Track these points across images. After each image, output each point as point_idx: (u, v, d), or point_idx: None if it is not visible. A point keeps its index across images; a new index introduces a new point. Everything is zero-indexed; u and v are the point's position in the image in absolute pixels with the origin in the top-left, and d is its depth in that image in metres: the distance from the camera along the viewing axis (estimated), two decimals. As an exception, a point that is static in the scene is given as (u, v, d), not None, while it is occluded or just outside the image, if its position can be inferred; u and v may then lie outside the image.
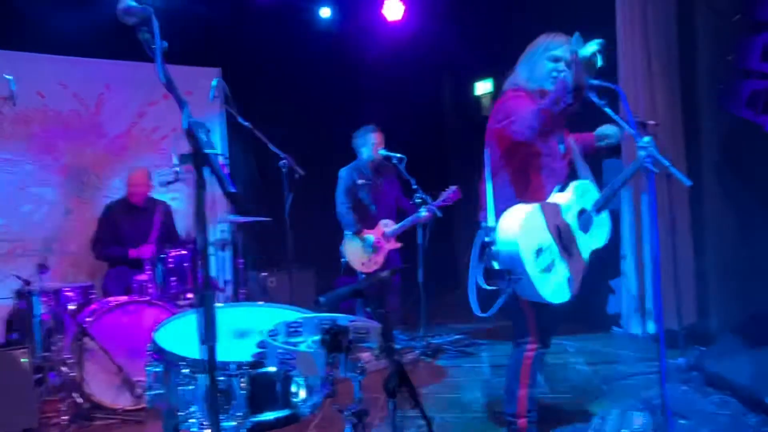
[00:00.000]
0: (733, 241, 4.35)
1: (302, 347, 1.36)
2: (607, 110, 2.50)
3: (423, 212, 4.37)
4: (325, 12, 6.09)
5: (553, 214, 2.39)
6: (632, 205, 4.58)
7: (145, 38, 1.42)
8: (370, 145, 4.70)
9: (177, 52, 5.68)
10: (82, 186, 5.10)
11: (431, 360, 4.27)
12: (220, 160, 4.84)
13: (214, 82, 4.82)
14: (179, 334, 1.69)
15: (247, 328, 1.62)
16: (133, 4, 1.44)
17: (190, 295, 4.00)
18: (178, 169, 4.83)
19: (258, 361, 1.35)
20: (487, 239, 2.31)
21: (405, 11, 6.16)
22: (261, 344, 1.34)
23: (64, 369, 3.42)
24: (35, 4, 4.42)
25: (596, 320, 5.12)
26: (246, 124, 4.48)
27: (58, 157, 5.02)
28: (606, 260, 5.11)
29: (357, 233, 4.61)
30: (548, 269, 2.33)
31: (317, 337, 1.33)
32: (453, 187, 4.42)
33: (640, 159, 2.31)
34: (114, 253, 4.36)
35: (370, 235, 4.63)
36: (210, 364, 1.16)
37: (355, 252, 4.62)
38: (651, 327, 4.54)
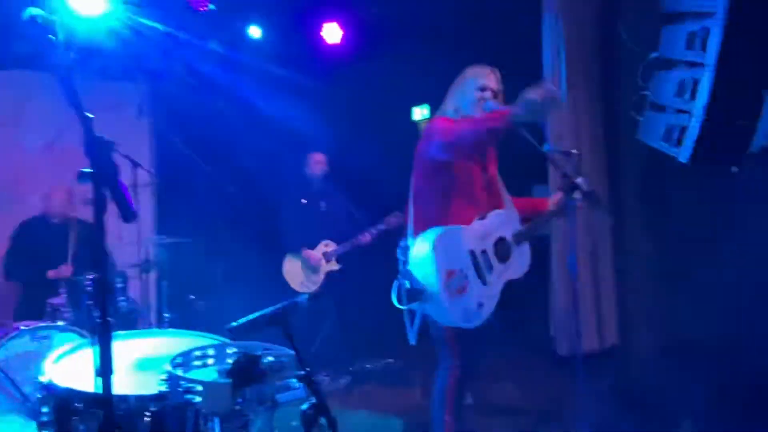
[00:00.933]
0: (652, 266, 4.56)
1: (209, 378, 1.29)
2: (531, 140, 2.59)
3: (365, 235, 4.43)
4: (254, 32, 5.99)
5: (469, 239, 2.42)
6: (559, 231, 4.73)
7: (50, 50, 1.33)
8: (310, 164, 4.69)
9: (104, 68, 5.49)
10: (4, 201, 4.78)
11: (359, 386, 4.23)
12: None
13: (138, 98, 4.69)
14: (75, 366, 1.56)
15: (154, 359, 1.53)
16: (39, 13, 1.36)
17: (109, 320, 3.80)
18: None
19: (162, 395, 1.27)
20: (402, 259, 2.35)
21: (343, 35, 6.20)
22: (163, 375, 1.27)
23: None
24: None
25: (530, 343, 5.23)
26: (174, 140, 4.36)
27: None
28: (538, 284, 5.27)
29: (297, 253, 4.54)
30: (459, 293, 2.34)
31: (225, 368, 1.27)
32: (396, 213, 4.46)
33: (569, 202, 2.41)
34: (27, 274, 4.09)
35: (311, 255, 4.56)
36: (105, 398, 1.08)
37: (294, 272, 4.55)
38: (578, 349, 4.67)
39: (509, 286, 2.60)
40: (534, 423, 3.41)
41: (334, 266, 4.64)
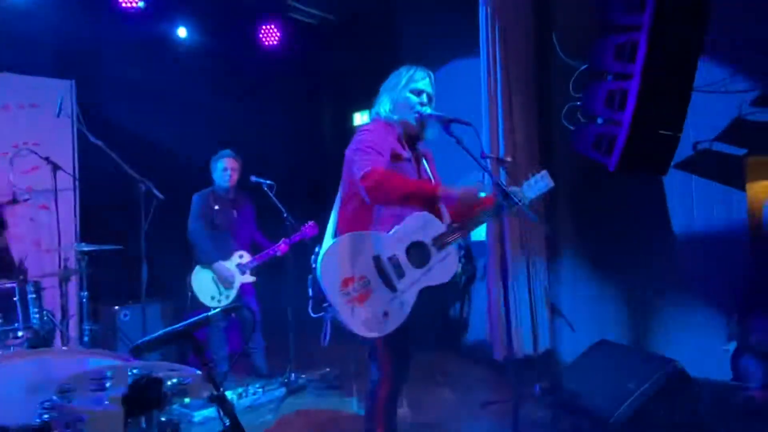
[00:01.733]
0: (584, 272, 4.68)
1: (98, 406, 1.16)
2: (463, 146, 2.56)
3: (281, 245, 4.32)
4: (181, 32, 5.80)
5: (376, 244, 2.35)
6: (494, 236, 4.78)
7: None
8: (221, 170, 4.51)
9: (26, 61, 5.18)
10: None
11: (294, 397, 4.11)
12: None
13: (60, 96, 4.41)
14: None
15: (48, 381, 1.37)
16: None
17: (20, 333, 3.53)
18: (16, 189, 4.33)
19: (44, 425, 1.14)
20: (313, 266, 2.29)
21: (281, 38, 6.09)
22: (47, 403, 1.13)
23: None
24: None
25: (464, 347, 5.26)
26: (98, 142, 4.11)
27: None
28: (472, 290, 5.31)
29: (210, 264, 4.33)
30: (359, 301, 2.29)
31: (118, 393, 1.15)
32: (310, 222, 4.38)
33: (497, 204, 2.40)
34: None
35: (224, 267, 4.38)
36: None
37: (204, 284, 4.32)
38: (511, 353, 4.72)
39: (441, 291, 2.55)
40: (470, 429, 3.39)
41: (249, 278, 4.48)
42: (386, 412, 2.45)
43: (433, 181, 2.64)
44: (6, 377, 1.30)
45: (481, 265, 5.14)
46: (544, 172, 2.69)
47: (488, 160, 2.73)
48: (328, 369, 4.51)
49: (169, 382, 1.18)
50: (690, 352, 3.71)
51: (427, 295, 2.51)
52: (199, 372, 1.25)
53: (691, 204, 4.10)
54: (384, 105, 2.57)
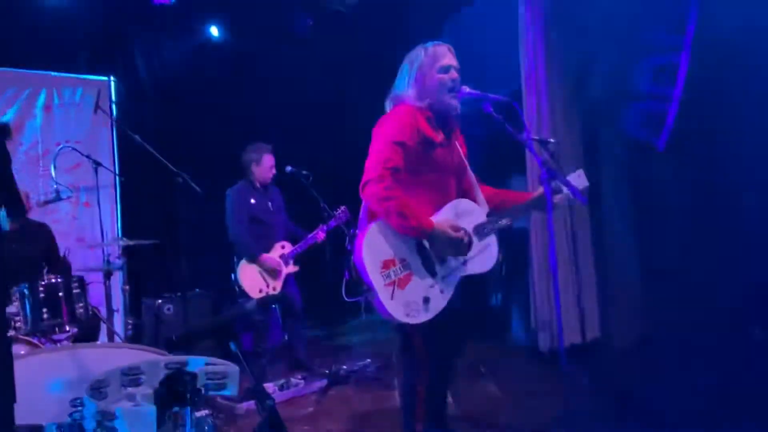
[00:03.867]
0: (633, 258, 4.48)
1: (131, 402, 1.12)
2: (507, 127, 2.44)
3: (319, 232, 4.28)
4: (213, 30, 5.83)
5: None
6: (538, 223, 4.62)
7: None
8: (267, 166, 4.47)
9: (65, 61, 5.25)
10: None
11: (336, 389, 4.07)
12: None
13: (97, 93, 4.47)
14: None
15: (80, 379, 1.33)
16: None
17: (67, 328, 3.58)
18: (59, 187, 4.40)
19: (74, 423, 1.10)
20: (348, 248, 2.21)
21: (312, 28, 6.04)
22: (77, 401, 1.09)
23: None
24: None
25: (508, 337, 5.13)
26: (135, 137, 4.14)
27: None
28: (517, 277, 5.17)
29: (255, 258, 4.31)
30: (399, 285, 2.21)
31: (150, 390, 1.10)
32: (342, 207, 4.32)
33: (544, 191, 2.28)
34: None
35: (270, 260, 4.36)
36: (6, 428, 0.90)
37: (251, 278, 4.29)
38: (558, 342, 4.57)
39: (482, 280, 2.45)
40: (517, 422, 3.28)
41: (294, 268, 4.45)
42: (427, 406, 2.36)
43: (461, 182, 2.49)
44: (41, 373, 1.27)
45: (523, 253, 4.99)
46: (579, 171, 2.53)
47: (531, 142, 2.57)
48: (368, 360, 4.46)
49: (201, 377, 1.12)
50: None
51: (468, 283, 2.42)
52: (235, 365, 1.19)
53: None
54: (408, 89, 2.42)
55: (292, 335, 4.51)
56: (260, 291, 4.25)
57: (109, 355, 1.55)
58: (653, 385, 3.07)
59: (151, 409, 1.03)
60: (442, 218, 2.32)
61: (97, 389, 1.08)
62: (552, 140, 3.67)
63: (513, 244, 5.09)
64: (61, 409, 1.08)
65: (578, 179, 2.51)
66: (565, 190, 2.42)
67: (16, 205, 1.01)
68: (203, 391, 1.11)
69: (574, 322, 4.30)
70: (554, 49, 4.48)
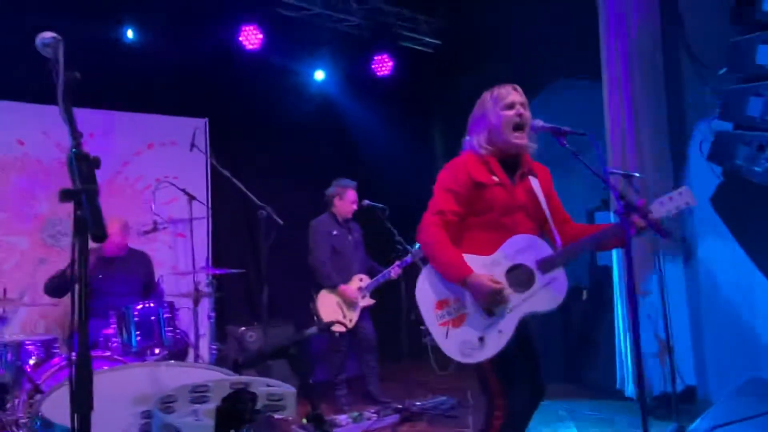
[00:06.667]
0: (732, 298, 4.15)
1: (195, 417, 1.18)
2: (580, 159, 2.38)
3: (395, 268, 4.33)
4: (319, 75, 6.17)
5: (473, 266, 2.23)
6: (620, 260, 4.41)
7: (55, 70, 1.31)
8: (349, 201, 4.61)
9: (166, 103, 5.71)
10: (59, 235, 4.98)
11: (408, 425, 4.02)
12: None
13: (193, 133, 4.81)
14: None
15: (151, 394, 1.43)
16: (49, 36, 1.35)
17: (157, 351, 3.81)
18: (157, 218, 4.75)
19: (144, 434, 1.17)
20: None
21: (393, 67, 6.23)
22: (145, 414, 1.17)
23: (15, 430, 3.20)
24: (16, 53, 4.43)
25: (590, 383, 4.86)
26: (225, 172, 4.42)
27: (34, 205, 4.93)
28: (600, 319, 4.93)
29: (334, 288, 4.40)
30: (454, 324, 2.20)
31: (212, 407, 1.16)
32: (417, 245, 4.32)
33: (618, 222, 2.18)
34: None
35: (349, 291, 4.43)
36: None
37: (329, 308, 4.39)
38: (647, 390, 4.28)
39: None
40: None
41: (370, 302, 4.51)
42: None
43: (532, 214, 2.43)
44: (114, 386, 1.37)
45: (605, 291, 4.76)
46: (684, 188, 2.32)
47: (611, 176, 2.48)
48: (444, 397, 4.38)
49: (261, 398, 1.17)
50: None
51: (544, 321, 2.35)
52: (294, 389, 1.23)
53: None
54: (477, 136, 2.42)
55: (365, 368, 4.54)
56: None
57: (182, 373, 1.64)
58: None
59: (212, 424, 1.09)
60: (510, 247, 2.29)
61: (166, 404, 1.16)
62: (636, 174, 3.56)
63: (597, 281, 4.88)
64: (134, 421, 1.17)
65: (681, 196, 2.27)
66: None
67: (101, 230, 1.12)
68: (261, 411, 1.16)
69: (665, 367, 4.02)
70: (637, 76, 4.33)
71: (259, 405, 1.15)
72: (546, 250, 2.30)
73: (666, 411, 3.82)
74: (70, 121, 1.24)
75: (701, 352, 4.24)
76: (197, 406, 1.18)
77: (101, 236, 1.10)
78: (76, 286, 1.11)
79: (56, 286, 4.17)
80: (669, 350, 3.76)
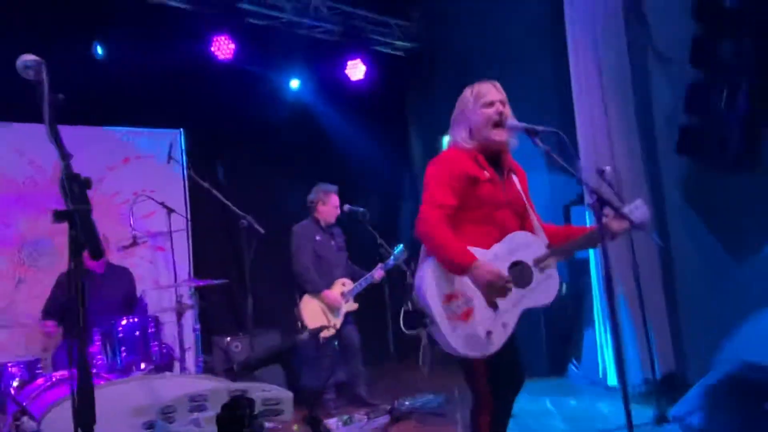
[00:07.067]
0: (706, 286, 4.28)
1: (196, 426, 1.21)
2: (555, 157, 2.45)
3: (378, 271, 4.35)
4: (294, 83, 6.19)
5: None
6: (599, 253, 4.52)
7: (40, 92, 1.32)
8: (332, 206, 4.64)
9: (141, 116, 5.66)
10: (37, 255, 4.91)
11: (398, 425, 4.06)
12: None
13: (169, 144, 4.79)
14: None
15: (150, 405, 1.45)
16: (31, 58, 1.37)
17: (143, 366, 3.79)
18: (136, 233, 4.72)
19: (147, 444, 1.20)
20: (409, 281, 2.25)
21: (367, 72, 6.28)
22: (147, 425, 1.20)
23: (1, 453, 3.16)
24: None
25: (574, 374, 4.96)
26: (204, 184, 4.42)
27: (10, 225, 4.86)
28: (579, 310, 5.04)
29: (317, 293, 4.42)
30: (461, 318, 2.21)
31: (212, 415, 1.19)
32: (400, 246, 4.38)
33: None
34: (64, 324, 4.14)
35: (331, 296, 4.46)
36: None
37: (313, 313, 4.40)
38: (628, 377, 4.39)
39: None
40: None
41: (353, 306, 4.53)
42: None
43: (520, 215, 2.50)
44: (113, 400, 1.39)
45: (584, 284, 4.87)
46: (638, 202, 2.45)
47: (582, 171, 2.55)
48: (431, 396, 4.43)
49: (258, 404, 1.20)
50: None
51: (531, 316, 2.40)
52: (290, 393, 1.27)
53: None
54: (459, 133, 2.48)
55: (351, 372, 4.57)
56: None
57: (178, 384, 1.67)
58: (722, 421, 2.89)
59: (213, 430, 1.12)
60: (509, 244, 2.35)
61: (167, 414, 1.18)
62: (607, 168, 3.66)
63: (575, 274, 4.99)
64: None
65: (637, 210, 2.41)
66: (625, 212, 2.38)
67: (97, 248, 1.15)
68: (259, 415, 1.19)
69: (645, 355, 4.13)
70: (606, 71, 4.45)
71: (256, 410, 1.18)
72: (541, 248, 2.38)
73: (648, 397, 3.92)
74: (58, 143, 1.26)
75: (679, 339, 4.36)
76: (197, 414, 1.21)
77: (98, 253, 1.13)
78: (74, 304, 1.13)
79: (53, 311, 4.16)
80: (647, 338, 3.87)
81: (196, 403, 1.23)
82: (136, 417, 1.32)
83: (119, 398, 1.52)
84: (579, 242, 2.50)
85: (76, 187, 1.19)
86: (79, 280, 1.16)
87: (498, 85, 2.49)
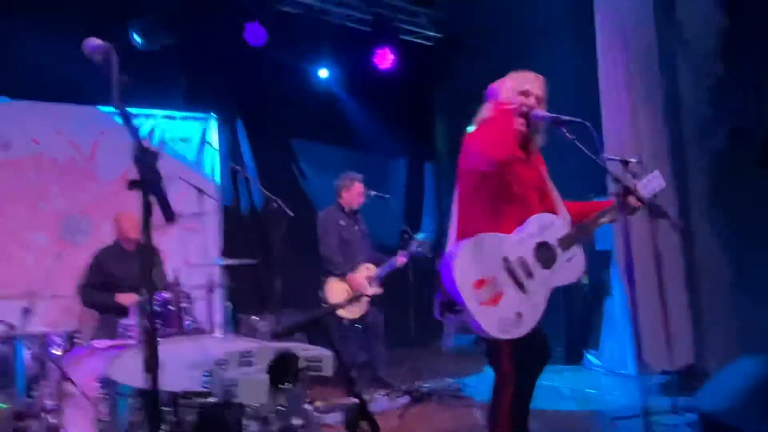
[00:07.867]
0: (728, 278, 4.29)
1: (249, 374, 1.33)
2: (580, 147, 2.51)
3: (400, 257, 4.46)
4: (323, 73, 6.29)
5: (504, 245, 2.34)
6: (621, 242, 4.55)
7: (107, 75, 1.44)
8: (356, 193, 4.75)
9: (175, 101, 5.81)
10: (75, 231, 5.12)
11: (418, 406, 4.17)
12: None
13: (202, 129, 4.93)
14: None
15: (204, 360, 1.59)
16: (98, 42, 1.49)
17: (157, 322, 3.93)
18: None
19: (205, 391, 1.33)
20: (439, 270, 2.30)
21: (395, 61, 6.35)
22: (207, 373, 1.32)
23: (44, 416, 3.35)
24: (31, 53, 4.55)
25: (592, 363, 5.02)
26: (236, 167, 4.56)
27: (51, 202, 5.07)
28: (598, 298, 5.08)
29: (343, 276, 4.56)
30: (492, 302, 2.26)
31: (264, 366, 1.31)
32: (422, 233, 4.47)
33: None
34: (100, 300, 4.33)
35: (357, 281, 4.58)
36: (151, 393, 1.14)
37: (338, 295, 4.53)
38: (642, 367, 4.43)
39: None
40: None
41: (378, 290, 4.64)
42: (512, 420, 2.41)
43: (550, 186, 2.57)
44: (172, 355, 1.52)
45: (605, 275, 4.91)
46: (655, 173, 2.54)
47: (611, 162, 2.61)
48: (451, 380, 4.54)
49: (302, 359, 1.32)
50: None
51: (550, 304, 2.46)
52: (330, 352, 1.38)
53: None
54: (487, 110, 2.51)
55: (373, 354, 4.69)
56: (346, 309, 4.48)
57: (226, 343, 1.79)
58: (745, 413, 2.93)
59: (265, 378, 1.24)
60: (532, 226, 2.40)
61: (221, 365, 1.31)
62: (633, 159, 3.69)
63: (596, 266, 5.03)
64: (191, 381, 1.32)
65: (654, 180, 2.52)
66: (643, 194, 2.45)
67: (171, 212, 1.27)
68: (304, 370, 1.31)
69: (662, 346, 4.17)
70: (633, 63, 4.46)
71: (301, 366, 1.30)
72: (562, 228, 2.45)
73: (666, 388, 3.97)
74: (127, 121, 1.38)
75: (700, 330, 4.38)
76: (245, 368, 1.33)
77: (172, 217, 1.25)
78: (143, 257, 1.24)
79: (96, 307, 4.34)
80: (668, 329, 3.91)
81: (245, 358, 1.36)
82: (192, 369, 1.45)
83: (174, 354, 1.66)
84: (599, 217, 2.52)
85: (148, 158, 1.31)
86: (149, 244, 1.28)
87: (543, 81, 2.52)
